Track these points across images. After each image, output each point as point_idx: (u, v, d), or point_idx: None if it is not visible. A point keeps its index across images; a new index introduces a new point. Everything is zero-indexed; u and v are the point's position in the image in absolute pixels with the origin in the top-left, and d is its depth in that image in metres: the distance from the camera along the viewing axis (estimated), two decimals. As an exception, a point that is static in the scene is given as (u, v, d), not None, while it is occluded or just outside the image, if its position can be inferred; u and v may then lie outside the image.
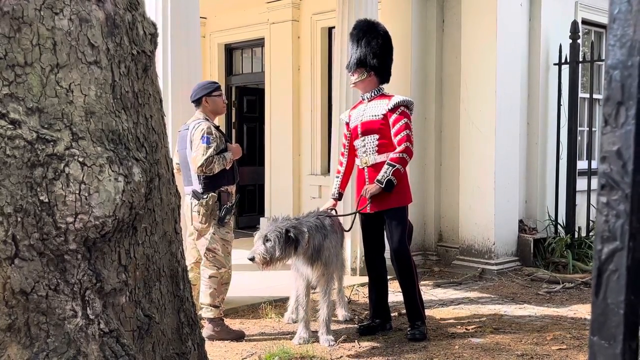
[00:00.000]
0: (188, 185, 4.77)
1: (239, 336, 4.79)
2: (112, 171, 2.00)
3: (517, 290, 6.38)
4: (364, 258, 6.83)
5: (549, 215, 7.79)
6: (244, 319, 5.34)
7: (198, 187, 4.69)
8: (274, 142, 9.51)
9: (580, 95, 7.93)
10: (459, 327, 5.07)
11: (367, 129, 4.87)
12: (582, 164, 7.96)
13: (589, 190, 7.67)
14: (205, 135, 4.61)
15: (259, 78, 9.94)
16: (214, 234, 4.74)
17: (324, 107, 8.93)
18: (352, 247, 6.87)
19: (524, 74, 7.68)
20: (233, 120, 10.43)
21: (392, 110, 4.79)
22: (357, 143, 4.95)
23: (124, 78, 2.16)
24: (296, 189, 9.29)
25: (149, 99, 2.31)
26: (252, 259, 4.45)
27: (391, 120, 4.78)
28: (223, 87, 10.16)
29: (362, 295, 6.13)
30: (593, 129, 8.25)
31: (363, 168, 4.92)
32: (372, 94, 4.95)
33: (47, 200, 1.90)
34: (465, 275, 6.96)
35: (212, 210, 4.70)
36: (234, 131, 10.40)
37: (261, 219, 9.74)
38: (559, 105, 7.74)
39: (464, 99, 7.15)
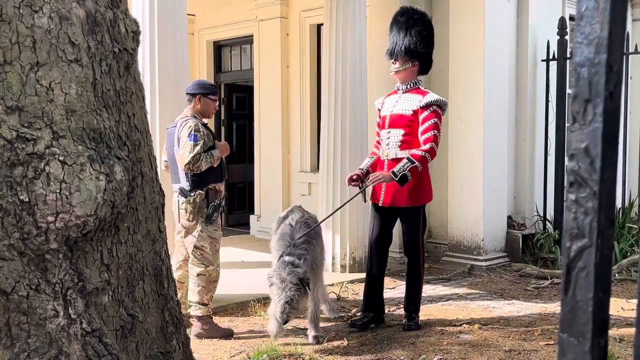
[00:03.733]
0: (176, 183, 4.75)
1: (227, 334, 4.79)
2: (94, 170, 1.99)
3: (506, 286, 6.40)
4: (353, 255, 6.86)
5: (537, 211, 7.82)
6: (233, 316, 5.33)
7: (185, 185, 4.67)
8: (263, 140, 9.50)
9: (568, 91, 7.93)
10: (448, 323, 5.08)
11: (395, 122, 4.85)
12: (570, 160, 7.99)
13: (577, 186, 7.70)
14: (192, 132, 4.59)
15: (248, 75, 9.92)
16: (201, 231, 4.72)
17: (314, 105, 8.92)
18: (342, 244, 6.88)
19: (512, 70, 7.70)
20: (222, 117, 10.40)
21: (424, 107, 4.78)
22: (383, 134, 4.95)
23: (106, 76, 2.15)
24: (286, 186, 9.28)
25: (132, 97, 2.30)
26: (284, 323, 4.40)
27: (421, 117, 4.77)
28: (212, 85, 10.17)
29: (352, 292, 6.14)
30: (581, 125, 8.28)
31: (383, 160, 4.92)
32: (408, 86, 4.93)
33: (27, 199, 1.89)
34: (454, 271, 6.98)
35: (200, 207, 4.68)
36: (223, 128, 10.38)
37: (251, 216, 9.73)
38: (547, 101, 7.76)
39: (453, 95, 7.16)
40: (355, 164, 6.81)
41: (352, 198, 5.21)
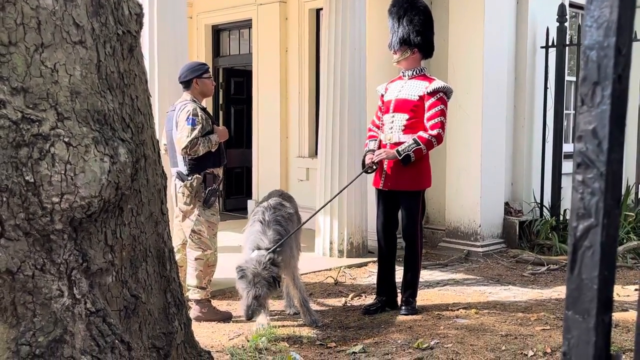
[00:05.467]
0: (174, 167, 4.76)
1: (226, 317, 4.82)
2: (98, 151, 2.00)
3: (502, 272, 6.44)
4: (350, 240, 6.89)
5: (535, 198, 7.85)
6: (231, 300, 5.36)
7: (183, 169, 4.69)
8: (261, 125, 9.49)
9: (567, 78, 7.97)
10: (445, 308, 5.13)
11: (400, 107, 4.88)
12: (568, 147, 8.02)
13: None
14: (190, 116, 4.60)
15: (247, 60, 9.90)
16: (199, 216, 4.74)
17: (312, 90, 8.92)
18: (340, 229, 6.90)
19: (511, 56, 7.70)
20: (220, 102, 10.39)
21: (431, 94, 4.81)
22: (386, 118, 4.97)
23: (110, 58, 2.15)
24: (284, 171, 9.29)
25: (135, 80, 2.30)
26: (249, 318, 4.37)
27: (427, 103, 4.80)
28: (210, 69, 10.13)
29: (350, 277, 6.17)
30: (579, 112, 8.30)
31: (385, 144, 4.94)
32: (414, 73, 4.96)
33: (32, 180, 1.90)
34: (451, 257, 7.02)
35: (197, 192, 4.70)
36: (221, 113, 10.37)
37: (248, 201, 9.74)
38: (546, 88, 7.77)
39: (451, 81, 7.15)
40: (354, 149, 6.83)
41: (352, 181, 5.24)
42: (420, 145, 4.70)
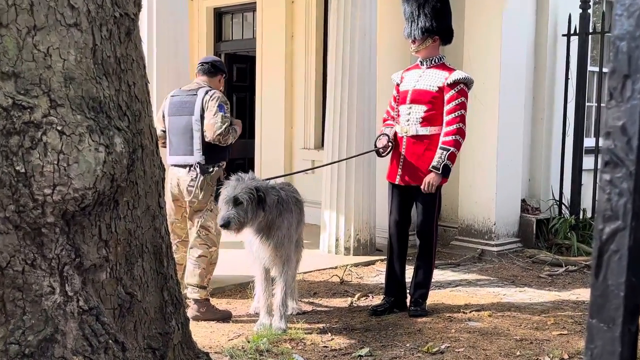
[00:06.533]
0: (185, 155, 4.73)
1: (225, 316, 4.83)
2: (93, 141, 1.99)
3: (518, 273, 6.43)
4: (358, 237, 6.89)
5: (553, 195, 7.82)
6: (231, 298, 5.37)
7: (201, 159, 4.69)
8: (265, 114, 9.48)
9: (589, 68, 7.93)
10: (456, 310, 5.12)
11: (418, 98, 4.87)
12: (589, 142, 7.98)
13: (595, 170, 7.70)
14: (222, 104, 4.69)
15: (250, 45, 9.88)
16: (211, 210, 4.75)
17: (319, 77, 8.89)
18: (346, 225, 6.90)
19: (531, 45, 7.65)
20: (222, 89, 10.38)
21: (451, 85, 4.79)
22: (402, 109, 4.96)
23: (106, 42, 2.15)
24: (288, 163, 9.29)
25: (132, 65, 2.30)
26: (226, 225, 4.21)
27: (447, 96, 4.79)
28: (211, 54, 10.14)
29: (356, 276, 6.17)
30: (602, 105, 8.26)
31: (402, 137, 4.93)
32: (432, 62, 4.94)
33: (23, 170, 1.90)
34: (464, 256, 7.01)
35: (210, 184, 4.72)
36: (222, 101, 10.36)
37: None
38: (567, 78, 7.73)
39: (467, 70, 7.11)
40: (363, 141, 6.81)
41: (361, 154, 5.21)
42: (450, 149, 4.72)
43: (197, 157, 4.70)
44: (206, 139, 4.65)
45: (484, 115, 7.11)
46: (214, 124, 4.61)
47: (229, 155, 4.93)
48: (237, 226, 4.25)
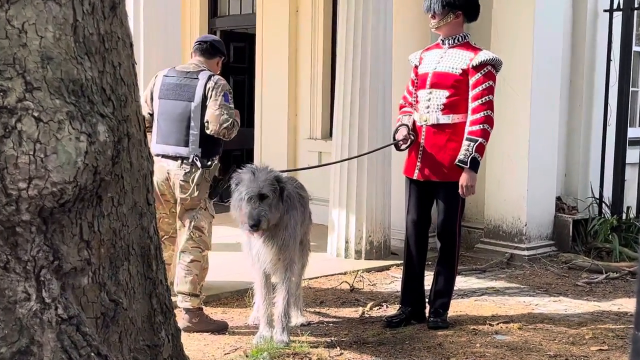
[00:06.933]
0: (177, 146, 4.73)
1: (221, 328, 4.84)
2: (73, 129, 2.00)
3: (552, 280, 6.42)
4: (370, 239, 6.89)
5: (593, 192, 7.80)
6: (227, 307, 5.38)
7: (198, 152, 4.70)
8: (265, 99, 9.48)
9: (635, 48, 7.89)
10: (482, 322, 5.12)
11: (439, 82, 4.86)
12: (633, 132, 7.96)
13: (641, 164, 7.69)
14: (227, 93, 4.71)
15: (249, 21, 9.88)
16: (205, 209, 4.77)
17: (327, 58, 8.88)
18: (357, 226, 6.90)
19: (568, 22, 7.63)
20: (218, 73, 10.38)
21: (477, 68, 4.77)
22: (422, 95, 4.95)
23: (88, 17, 2.15)
24: (291, 155, 9.29)
25: (118, 44, 2.31)
26: (257, 225, 4.23)
27: (472, 80, 4.77)
28: (205, 30, 10.14)
29: (368, 283, 6.18)
30: (648, 90, 8.24)
31: (421, 126, 4.93)
32: (455, 41, 4.92)
33: (-5, 161, 1.91)
34: (491, 261, 7.00)
35: (206, 180, 4.73)
36: (218, 85, 10.36)
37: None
38: (609, 60, 7.70)
39: (495, 50, 7.09)
40: (376, 131, 6.81)
41: (376, 149, 5.24)
42: (478, 140, 4.70)
43: (193, 149, 4.70)
44: (208, 131, 4.65)
45: (514, 101, 7.09)
46: (219, 116, 4.61)
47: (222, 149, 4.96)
48: (267, 225, 4.31)
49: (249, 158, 10.12)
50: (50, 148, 1.96)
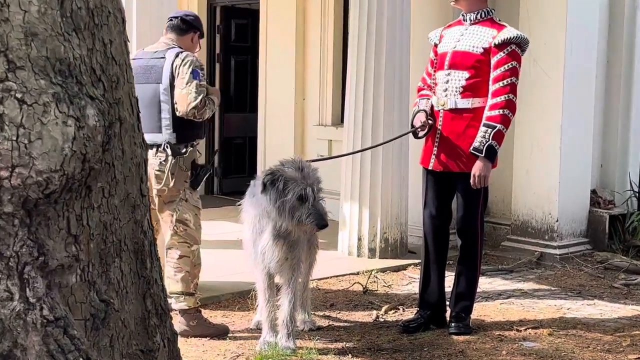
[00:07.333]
0: (152, 133, 4.73)
1: (221, 332, 4.86)
2: (60, 112, 2.01)
3: (586, 282, 6.41)
4: (385, 236, 6.89)
5: (631, 185, 7.78)
6: (228, 310, 5.40)
7: (172, 138, 4.71)
8: (270, 82, 9.48)
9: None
10: (508, 327, 5.12)
11: (458, 62, 4.85)
12: (677, 118, 7.92)
13: (685, 153, 7.67)
14: (196, 69, 4.69)
15: (253, -5, 9.88)
16: (186, 200, 4.78)
17: (338, 36, 8.87)
18: (371, 222, 6.90)
19: (605, -5, 7.60)
20: (217, 51, 10.38)
21: (499, 46, 4.75)
22: (440, 76, 4.95)
23: (76, -11, 2.16)
24: (299, 143, 9.29)
25: (108, 19, 2.31)
26: (327, 224, 4.45)
27: (494, 59, 4.75)
28: (204, 6, 10.14)
29: (383, 284, 6.19)
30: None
31: (438, 110, 4.92)
32: (478, 17, 4.90)
33: (-26, 148, 1.92)
34: (518, 260, 6.99)
35: (184, 169, 4.74)
36: (217, 66, 10.38)
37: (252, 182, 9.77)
38: (651, 38, 7.67)
39: (524, 28, 7.07)
40: (392, 117, 6.81)
41: (393, 139, 5.30)
42: (497, 126, 4.68)
43: (167, 135, 4.71)
44: (177, 113, 4.67)
45: (545, 84, 7.07)
46: (186, 95, 4.62)
47: (205, 132, 4.97)
48: None
49: (252, 146, 10.14)
50: (34, 133, 1.96)
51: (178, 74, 4.67)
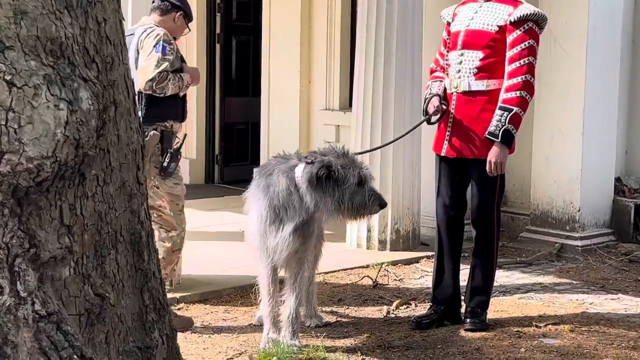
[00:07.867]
0: None
1: (183, 325, 4.74)
2: (52, 95, 2.01)
3: (610, 275, 6.40)
4: (396, 227, 6.89)
5: (659, 173, 7.77)
6: (229, 305, 5.41)
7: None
8: (274, 64, 9.46)
9: None
10: (527, 323, 5.12)
11: (472, 41, 4.82)
12: None
13: None
14: (161, 43, 4.71)
15: (255, -28, 9.86)
16: (156, 187, 4.81)
17: (346, 15, 8.85)
18: (381, 212, 6.88)
19: (631, -30, 7.57)
20: (217, 31, 10.36)
21: (515, 24, 4.72)
22: (452, 57, 4.92)
23: (68, -35, 2.16)
24: (304, 129, 9.28)
25: (102, -4, 2.31)
26: (386, 204, 4.65)
27: (510, 38, 4.72)
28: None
29: (394, 278, 6.19)
30: None
31: (451, 93, 4.90)
32: None
33: (-38, 133, 1.92)
34: (538, 252, 6.98)
35: (153, 154, 4.76)
36: (218, 47, 10.34)
37: (254, 169, 9.78)
38: (679, 15, 7.64)
39: (543, 4, 7.05)
40: (403, 100, 6.79)
41: (407, 133, 5.45)
42: (513, 109, 4.65)
43: None
44: (137, 87, 4.68)
45: (566, 65, 7.04)
46: (145, 67, 4.66)
47: (183, 116, 5.00)
48: None
49: (255, 132, 10.13)
50: (24, 117, 1.97)
51: (142, 47, 4.71)
